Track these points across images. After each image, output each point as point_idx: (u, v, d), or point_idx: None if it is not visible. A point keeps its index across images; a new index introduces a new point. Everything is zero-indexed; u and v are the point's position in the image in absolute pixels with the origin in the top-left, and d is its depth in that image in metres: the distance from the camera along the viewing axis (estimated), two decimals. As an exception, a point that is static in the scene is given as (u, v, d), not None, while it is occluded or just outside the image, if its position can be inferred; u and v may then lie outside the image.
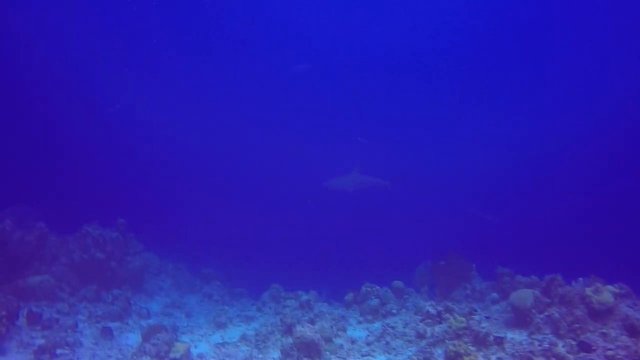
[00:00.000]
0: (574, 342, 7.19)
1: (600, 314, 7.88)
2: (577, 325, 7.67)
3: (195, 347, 9.13)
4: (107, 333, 10.09)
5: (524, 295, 8.80)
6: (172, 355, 7.72)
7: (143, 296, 13.95)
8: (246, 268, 19.07)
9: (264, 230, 22.00)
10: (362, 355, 8.13)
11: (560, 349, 6.83)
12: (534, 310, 8.54)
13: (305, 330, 7.17)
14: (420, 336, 8.24)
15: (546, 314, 8.30)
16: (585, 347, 6.91)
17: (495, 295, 11.45)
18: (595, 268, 9.61)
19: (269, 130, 28.94)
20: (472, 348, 6.61)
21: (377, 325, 9.98)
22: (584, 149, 25.07)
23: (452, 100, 29.56)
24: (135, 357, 8.10)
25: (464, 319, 7.96)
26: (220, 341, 9.29)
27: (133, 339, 10.16)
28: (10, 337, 9.46)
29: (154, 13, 26.57)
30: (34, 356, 8.83)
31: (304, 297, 11.20)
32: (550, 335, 7.73)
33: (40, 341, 9.49)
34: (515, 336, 8.16)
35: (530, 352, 6.80)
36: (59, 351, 9.07)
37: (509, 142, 27.56)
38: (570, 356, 6.69)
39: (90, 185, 21.40)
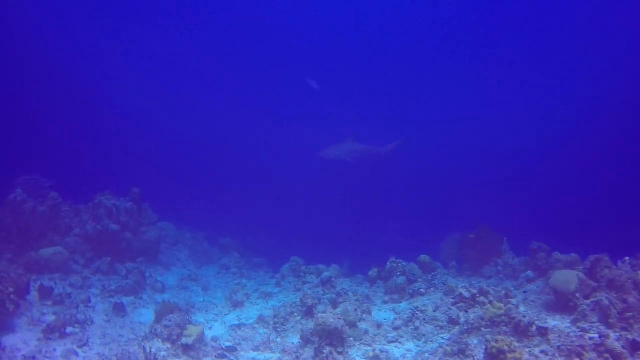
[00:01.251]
0: (628, 335, 6.42)
1: (657, 302, 7.07)
2: (630, 314, 6.88)
3: (210, 328, 8.63)
4: (120, 309, 9.67)
5: (568, 278, 7.99)
6: (184, 340, 7.19)
7: (159, 268, 13.55)
8: (266, 237, 18.60)
9: (285, 200, 21.41)
10: (389, 342, 7.51)
11: (615, 343, 6.07)
12: (578, 295, 7.75)
13: (328, 317, 6.55)
14: (453, 322, 7.56)
15: (593, 299, 7.53)
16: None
17: (530, 273, 10.70)
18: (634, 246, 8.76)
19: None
20: (516, 343, 5.90)
21: (404, 305, 9.34)
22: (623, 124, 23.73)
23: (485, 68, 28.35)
24: (146, 340, 7.60)
25: (502, 305, 7.23)
26: (237, 322, 8.76)
27: (147, 315, 9.73)
28: (21, 314, 9.09)
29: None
30: (43, 335, 8.42)
31: (326, 274, 10.59)
32: (598, 324, 6.98)
33: (51, 318, 9.12)
34: (558, 323, 7.41)
35: (581, 346, 6.06)
36: (69, 329, 8.65)
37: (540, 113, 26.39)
38: (626, 352, 5.93)
39: (105, 153, 21.07)
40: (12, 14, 24.16)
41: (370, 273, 11.35)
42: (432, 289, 10.10)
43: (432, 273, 11.21)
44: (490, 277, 11.86)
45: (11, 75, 22.35)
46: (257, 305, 9.98)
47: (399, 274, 10.76)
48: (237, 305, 9.69)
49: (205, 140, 24.73)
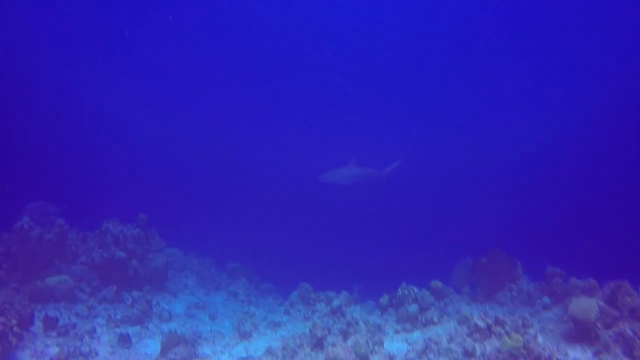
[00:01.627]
0: (655, 369, 6.10)
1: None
2: (655, 346, 6.56)
3: (217, 361, 8.38)
4: (125, 340, 9.44)
5: (587, 306, 7.68)
6: (190, 375, 6.95)
7: (166, 295, 13.34)
8: (275, 261, 18.39)
9: (294, 224, 21.21)
10: (402, 376, 7.21)
11: (641, 379, 5.76)
12: (599, 324, 7.43)
13: (338, 351, 6.30)
14: (469, 354, 7.26)
15: (615, 330, 7.20)
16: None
17: (547, 300, 10.36)
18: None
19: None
20: (536, 380, 5.60)
21: (416, 335, 9.04)
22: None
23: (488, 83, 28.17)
24: (150, 375, 7.37)
25: (520, 337, 6.93)
26: (244, 355, 8.50)
27: (152, 346, 9.49)
28: (24, 346, 8.90)
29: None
30: (46, 368, 8.22)
31: (335, 303, 10.32)
32: (622, 357, 6.66)
33: (55, 350, 8.93)
34: (579, 355, 7.11)
35: (605, 383, 5.75)
36: (73, 362, 8.44)
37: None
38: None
39: (112, 178, 21.07)
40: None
41: (381, 300, 11.05)
42: (445, 317, 9.78)
43: (445, 299, 10.90)
44: (504, 303, 11.52)
45: (20, 102, 22.65)
46: (266, 335, 9.72)
47: (410, 301, 10.46)
48: (245, 336, 9.43)
49: (213, 164, 24.71)
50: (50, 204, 13.96)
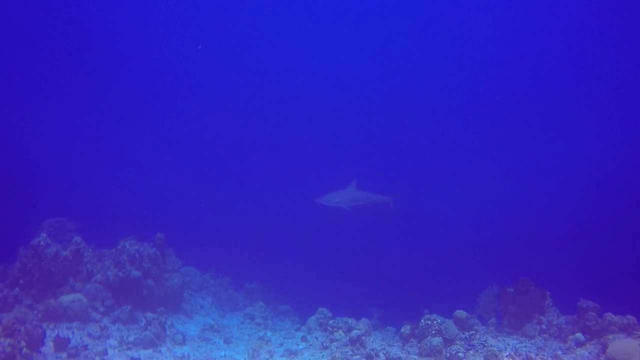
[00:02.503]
0: None
1: None
2: None
3: (229, 393, 7.99)
4: (136, 366, 9.12)
5: (629, 349, 7.14)
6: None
7: (181, 316, 13.04)
8: (293, 282, 17.98)
9: (313, 246, 20.80)
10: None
11: None
12: (641, 369, 6.85)
13: (357, 390, 5.86)
14: (498, 397, 6.74)
15: (660, 376, 6.61)
16: None
17: (580, 336, 9.72)
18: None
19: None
20: None
21: (440, 371, 8.52)
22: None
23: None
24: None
25: (554, 381, 6.39)
26: (258, 387, 8.12)
27: (164, 372, 9.16)
28: (33, 368, 8.65)
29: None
30: (53, 394, 7.92)
31: (355, 332, 9.84)
32: (668, 407, 6.06)
33: (64, 373, 8.66)
34: (620, 403, 6.52)
35: None
36: (81, 388, 8.14)
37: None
38: None
39: (131, 197, 21.09)
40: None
41: (402, 330, 10.55)
42: (471, 351, 9.25)
43: (470, 332, 10.34)
44: (533, 336, 10.90)
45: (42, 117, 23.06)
46: (281, 365, 9.32)
47: (434, 332, 9.96)
48: (259, 366, 9.06)
49: (232, 183, 24.57)
50: (68, 220, 13.89)
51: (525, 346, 10.25)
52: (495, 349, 8.82)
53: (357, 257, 20.15)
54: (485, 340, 9.79)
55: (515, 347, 9.47)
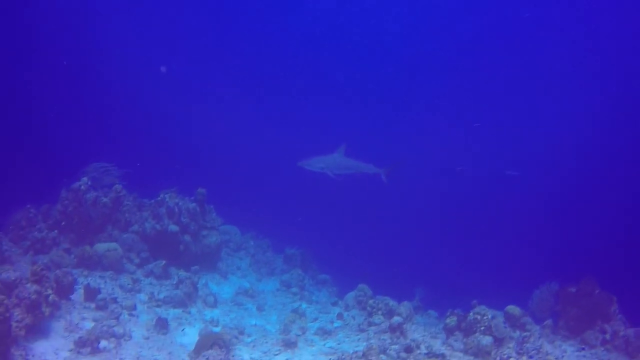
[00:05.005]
0: None
1: None
2: None
3: (254, 370, 7.44)
4: (162, 326, 8.74)
5: None
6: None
7: (216, 275, 12.66)
8: (336, 251, 17.36)
9: (361, 217, 20.03)
10: None
11: None
12: None
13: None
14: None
15: None
16: None
17: (654, 355, 8.54)
18: None
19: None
20: None
21: (488, 377, 7.64)
22: None
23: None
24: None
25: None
26: (284, 369, 7.52)
27: (190, 336, 8.74)
28: (60, 316, 8.42)
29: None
30: (74, 346, 7.62)
31: (396, 320, 9.04)
32: None
33: (90, 324, 8.37)
34: None
35: None
36: (102, 344, 7.82)
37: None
38: None
39: (178, 151, 20.96)
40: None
41: (447, 321, 9.65)
42: (524, 357, 8.28)
43: (523, 333, 9.34)
44: (594, 345, 9.78)
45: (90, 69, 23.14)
46: (313, 346, 8.65)
47: (482, 328, 9.02)
48: (289, 344, 8.41)
49: (283, 144, 23.96)
50: (112, 165, 13.61)
51: (584, 356, 9.21)
52: (553, 357, 7.82)
53: (405, 233, 19.24)
54: (540, 346, 8.77)
55: (569, 348, 8.42)
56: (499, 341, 8.80)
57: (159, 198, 12.18)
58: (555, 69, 26.30)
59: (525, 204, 21.35)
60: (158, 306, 9.68)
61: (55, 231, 11.37)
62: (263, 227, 16.64)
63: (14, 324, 7.09)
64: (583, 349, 9.60)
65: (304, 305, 11.28)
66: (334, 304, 11.93)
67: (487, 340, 8.43)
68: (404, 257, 18.11)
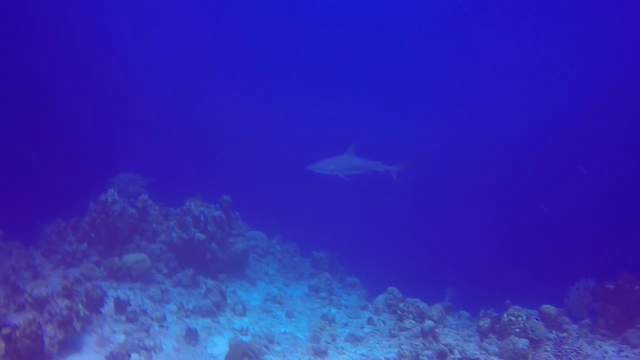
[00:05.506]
0: None
1: None
2: None
3: (284, 381, 7.34)
4: (192, 337, 8.72)
5: None
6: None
7: (244, 282, 12.63)
8: (364, 252, 17.20)
9: (388, 218, 19.81)
10: None
11: None
12: None
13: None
14: None
15: None
16: None
17: None
18: None
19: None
20: None
21: (526, 382, 7.38)
22: None
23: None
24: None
25: None
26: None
27: (220, 346, 8.70)
28: (91, 330, 8.48)
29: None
30: (106, 361, 7.65)
31: (428, 324, 8.82)
32: None
33: (121, 337, 8.41)
34: None
35: None
36: (133, 358, 7.83)
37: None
38: None
39: (201, 156, 21.09)
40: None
41: (480, 323, 9.41)
42: (563, 359, 7.99)
43: (561, 334, 9.03)
44: (637, 345, 9.39)
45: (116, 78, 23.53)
46: (344, 354, 8.50)
47: (518, 330, 8.75)
48: (319, 353, 8.28)
49: (304, 146, 23.92)
50: (138, 175, 13.75)
51: (627, 356, 8.85)
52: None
53: (433, 232, 18.95)
54: (579, 347, 8.47)
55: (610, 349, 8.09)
56: (535, 343, 8.52)
57: (184, 207, 12.21)
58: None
59: (557, 200, 20.80)
60: (187, 316, 9.67)
61: (85, 244, 11.51)
62: (289, 231, 16.57)
63: (46, 341, 7.17)
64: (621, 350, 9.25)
65: (333, 310, 11.14)
66: (364, 307, 11.75)
67: (523, 343, 8.16)
68: (433, 256, 17.86)
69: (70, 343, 7.82)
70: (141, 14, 26.85)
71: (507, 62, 27.83)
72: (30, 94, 21.17)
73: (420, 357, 7.82)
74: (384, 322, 10.26)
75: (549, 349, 8.37)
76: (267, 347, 8.53)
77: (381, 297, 11.63)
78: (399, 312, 10.29)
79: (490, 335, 9.26)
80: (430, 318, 9.50)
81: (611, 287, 10.74)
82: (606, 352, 8.79)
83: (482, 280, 15.67)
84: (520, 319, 9.03)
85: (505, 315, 9.25)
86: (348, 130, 25.54)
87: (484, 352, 8.51)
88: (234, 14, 29.67)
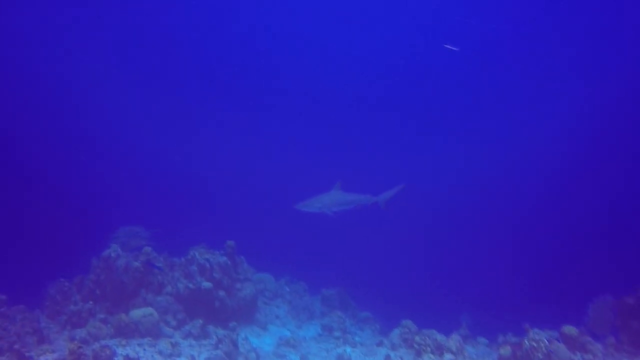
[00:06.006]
0: None
1: None
2: None
3: None
4: (206, 391, 8.43)
5: None
6: None
7: (255, 327, 12.35)
8: (374, 284, 16.91)
9: (395, 245, 19.59)
10: None
11: None
12: None
13: None
14: None
15: None
16: None
17: None
18: None
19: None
20: None
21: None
22: None
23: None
24: None
25: None
26: None
27: (236, 399, 8.40)
28: (101, 393, 8.19)
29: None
30: None
31: (447, 357, 8.57)
32: None
33: (132, 399, 8.13)
34: None
35: None
36: (147, 420, 7.53)
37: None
38: None
39: (203, 203, 21.02)
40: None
41: (501, 352, 9.16)
42: (591, 385, 7.71)
43: (585, 355, 8.77)
44: (663, 361, 9.12)
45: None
46: (363, 397, 8.25)
47: (541, 356, 8.50)
48: (337, 398, 8.03)
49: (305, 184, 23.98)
50: (140, 227, 13.65)
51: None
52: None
53: (442, 257, 18.70)
54: (606, 369, 8.19)
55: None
56: (560, 369, 8.25)
57: (188, 256, 12.04)
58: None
59: (563, 215, 20.65)
60: (199, 369, 9.39)
61: (91, 302, 11.30)
62: (296, 270, 16.33)
63: (55, 411, 6.91)
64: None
65: (349, 350, 10.84)
66: (379, 344, 11.46)
67: (548, 371, 7.89)
68: (444, 282, 17.58)
69: (81, 410, 7.55)
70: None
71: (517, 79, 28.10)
72: (26, 149, 21.32)
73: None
74: (401, 358, 9.97)
75: (575, 375, 8.09)
76: (284, 397, 8.24)
77: (396, 331, 11.37)
78: (415, 346, 10.02)
79: (512, 363, 8.99)
80: (449, 350, 9.24)
81: (631, 301, 10.53)
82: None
83: (495, 302, 15.34)
84: (542, 343, 8.79)
85: (526, 341, 9.02)
86: (346, 163, 25.64)
87: (508, 382, 8.23)
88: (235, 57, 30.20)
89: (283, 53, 30.43)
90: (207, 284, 11.49)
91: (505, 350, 9.12)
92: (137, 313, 10.73)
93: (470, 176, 24.25)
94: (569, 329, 9.71)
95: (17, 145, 21.44)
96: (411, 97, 29.46)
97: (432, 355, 9.21)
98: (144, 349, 10.02)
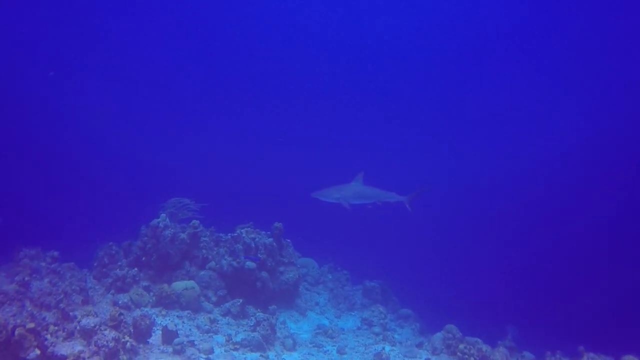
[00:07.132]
0: None
1: None
2: None
3: None
4: (239, 374, 8.30)
5: None
6: None
7: (295, 313, 12.17)
8: (417, 282, 16.44)
9: (445, 246, 18.98)
10: None
11: None
12: None
13: None
14: None
15: None
16: None
17: None
18: None
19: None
20: None
21: None
22: None
23: None
24: None
25: None
26: None
27: (269, 385, 8.24)
28: (138, 363, 8.20)
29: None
30: (150, 398, 7.34)
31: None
32: None
33: (167, 372, 8.11)
34: None
35: None
36: (179, 396, 7.48)
37: None
38: None
39: (255, 184, 21.15)
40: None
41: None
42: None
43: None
44: None
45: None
46: (400, 403, 7.89)
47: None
48: (374, 401, 7.71)
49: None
50: (191, 200, 13.64)
51: None
52: None
53: (493, 262, 17.94)
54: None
55: None
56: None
57: (235, 233, 11.96)
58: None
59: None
60: (235, 349, 9.28)
61: (135, 269, 11.41)
62: (340, 258, 16.05)
63: (91, 375, 6.94)
64: None
65: (387, 348, 10.47)
66: (419, 345, 11.02)
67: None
68: (491, 287, 16.89)
69: (117, 376, 7.58)
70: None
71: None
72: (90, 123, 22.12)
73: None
74: (443, 364, 9.53)
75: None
76: (318, 390, 8.00)
77: (439, 335, 10.88)
78: (459, 354, 9.59)
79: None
80: (496, 364, 8.72)
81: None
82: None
83: (546, 317, 14.56)
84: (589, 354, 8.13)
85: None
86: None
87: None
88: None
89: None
90: (251, 264, 11.38)
91: (556, 370, 8.51)
92: (179, 285, 10.77)
93: (524, 183, 23.26)
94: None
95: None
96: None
97: (476, 365, 8.73)
98: (183, 322, 10.05)
